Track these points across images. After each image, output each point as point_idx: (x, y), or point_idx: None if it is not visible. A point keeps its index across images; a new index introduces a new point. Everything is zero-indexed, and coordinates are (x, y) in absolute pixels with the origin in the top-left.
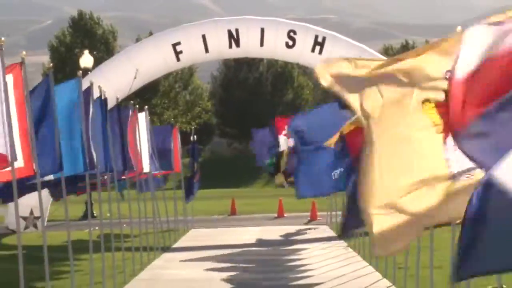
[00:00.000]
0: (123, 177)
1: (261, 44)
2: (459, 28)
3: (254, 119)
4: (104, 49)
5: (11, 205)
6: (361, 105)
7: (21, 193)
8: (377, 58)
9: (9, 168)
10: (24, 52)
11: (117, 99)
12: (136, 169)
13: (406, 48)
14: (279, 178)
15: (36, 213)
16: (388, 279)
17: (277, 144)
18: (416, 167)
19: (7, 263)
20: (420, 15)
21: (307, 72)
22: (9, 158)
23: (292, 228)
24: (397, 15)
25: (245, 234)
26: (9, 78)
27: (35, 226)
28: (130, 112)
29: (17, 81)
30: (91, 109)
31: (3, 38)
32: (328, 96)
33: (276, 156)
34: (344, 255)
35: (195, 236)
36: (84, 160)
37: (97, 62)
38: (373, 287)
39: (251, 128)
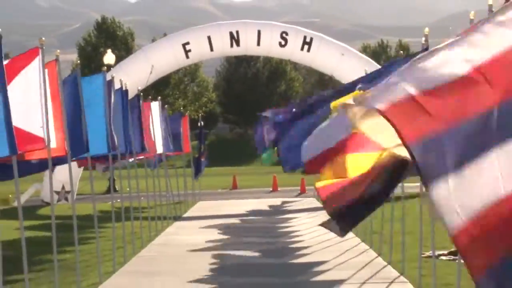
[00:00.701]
0: (141, 157)
1: (258, 44)
2: (426, 29)
3: (252, 107)
4: (124, 48)
5: (46, 181)
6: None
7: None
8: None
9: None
10: (58, 51)
11: (138, 90)
12: (149, 151)
13: (381, 46)
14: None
15: (67, 188)
16: (366, 243)
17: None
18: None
19: (42, 230)
20: (393, 18)
21: (297, 67)
22: (46, 141)
23: (285, 200)
24: (374, 19)
25: (245, 205)
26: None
27: (66, 199)
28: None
29: (52, 75)
30: (112, 99)
31: (43, 38)
32: (316, 88)
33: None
34: None
35: (202, 207)
36: (108, 142)
37: (118, 59)
38: (353, 250)
39: (249, 115)
